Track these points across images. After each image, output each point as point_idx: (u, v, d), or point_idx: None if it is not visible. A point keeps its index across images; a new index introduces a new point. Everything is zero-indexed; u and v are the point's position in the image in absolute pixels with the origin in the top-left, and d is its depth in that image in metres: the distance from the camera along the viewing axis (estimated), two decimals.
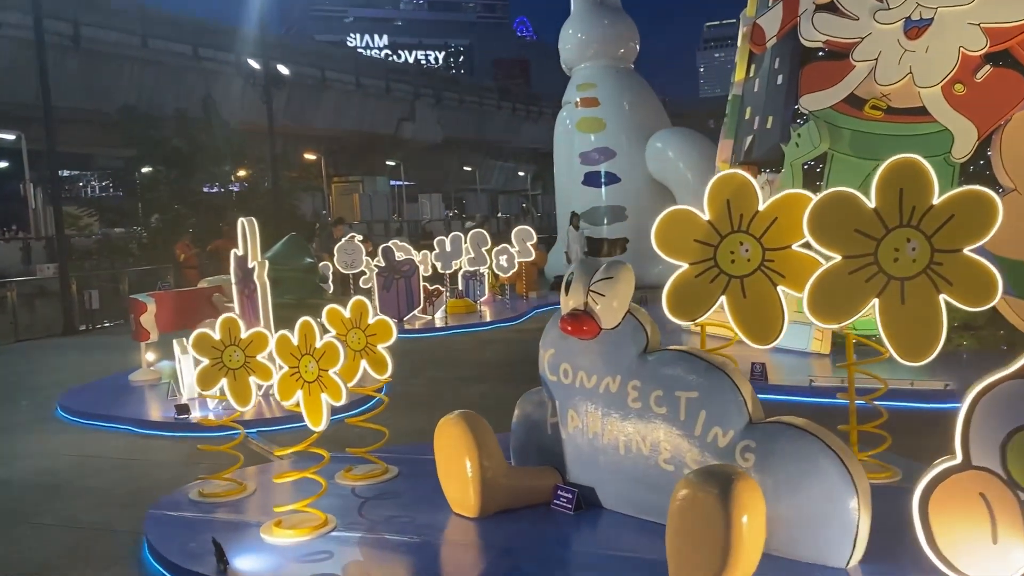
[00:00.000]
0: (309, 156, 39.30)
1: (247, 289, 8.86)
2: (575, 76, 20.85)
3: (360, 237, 15.90)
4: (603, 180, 19.91)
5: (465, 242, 15.39)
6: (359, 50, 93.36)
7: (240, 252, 8.93)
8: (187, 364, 8.84)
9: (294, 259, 10.83)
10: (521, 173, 68.14)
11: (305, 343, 4.86)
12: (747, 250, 5.30)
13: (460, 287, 16.36)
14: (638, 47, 21.23)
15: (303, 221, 27.87)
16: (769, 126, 10.81)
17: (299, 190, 29.79)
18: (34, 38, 16.89)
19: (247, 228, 8.64)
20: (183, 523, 5.27)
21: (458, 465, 4.99)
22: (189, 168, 24.98)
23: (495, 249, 15.94)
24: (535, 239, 16.93)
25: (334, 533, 4.93)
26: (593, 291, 4.86)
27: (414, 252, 15.17)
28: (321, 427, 4.89)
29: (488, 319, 15.05)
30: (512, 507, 5.06)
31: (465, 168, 59.77)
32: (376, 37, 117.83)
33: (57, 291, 17.82)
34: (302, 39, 50.79)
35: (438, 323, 14.77)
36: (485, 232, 15.63)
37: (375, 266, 14.70)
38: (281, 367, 5.02)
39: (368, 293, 15.98)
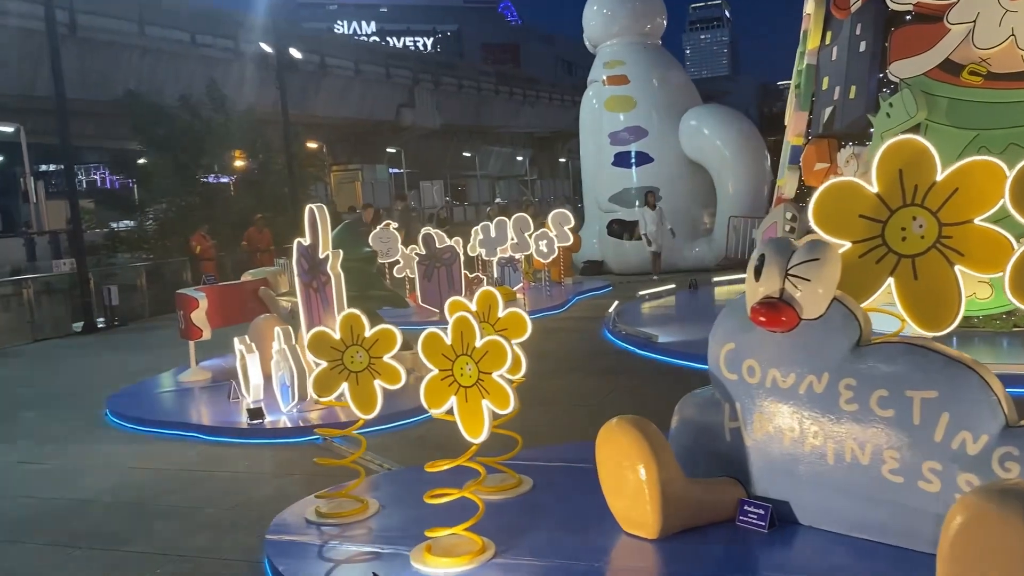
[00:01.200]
0: (311, 144, 38.38)
1: (316, 281, 8.16)
2: (601, 54, 20.16)
3: (395, 226, 15.20)
4: (633, 161, 19.26)
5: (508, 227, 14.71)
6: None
7: (308, 241, 8.22)
8: (253, 363, 8.18)
9: (352, 248, 10.07)
10: (520, 158, 67.34)
11: (461, 342, 4.20)
12: (921, 226, 4.67)
13: (495, 274, 15.70)
14: (665, 22, 20.56)
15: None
16: (852, 96, 10.16)
17: (316, 179, 28.95)
18: (43, 28, 16.08)
19: (317, 215, 7.94)
20: (312, 551, 4.61)
21: (631, 479, 4.35)
22: (198, 155, 24.18)
23: (535, 234, 15.25)
24: (572, 223, 16.26)
25: (497, 560, 4.29)
26: (793, 275, 4.21)
27: (447, 239, 14.50)
28: (481, 438, 4.24)
29: (532, 307, 14.36)
30: (693, 525, 4.44)
31: (464, 154, 58.92)
32: (364, 24, 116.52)
33: (65, 288, 17.07)
34: (297, 25, 49.55)
35: None
36: (528, 216, 14.95)
37: (415, 254, 14.04)
38: (418, 370, 4.37)
39: (401, 283, 15.33)
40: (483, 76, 57.78)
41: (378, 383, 4.93)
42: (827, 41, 10.77)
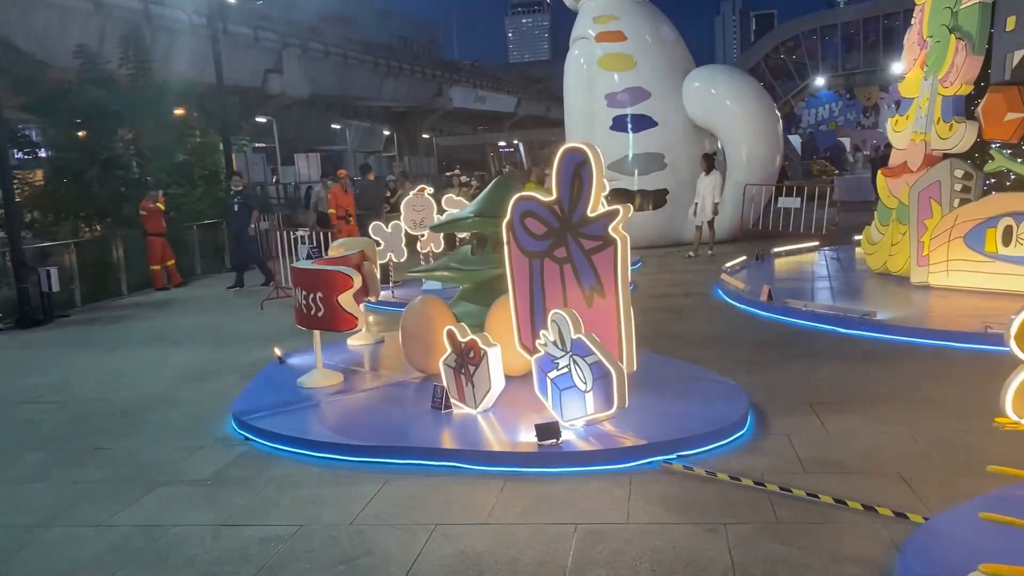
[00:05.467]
0: (178, 111, 34.33)
1: (566, 248, 6.04)
2: (587, 8, 18.37)
3: (431, 189, 12.85)
4: (630, 125, 17.66)
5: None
6: None
7: (552, 196, 6.10)
8: (495, 360, 5.98)
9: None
10: (387, 132, 64.17)
11: None
12: None
13: None
14: None
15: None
16: None
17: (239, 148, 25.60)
18: None
19: (591, 158, 5.82)
20: None
21: None
22: (103, 123, 20.50)
23: None
24: (607, 190, 14.45)
25: None
26: None
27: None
28: None
29: None
30: None
31: (333, 126, 55.23)
32: None
33: None
34: None
35: None
36: None
37: None
38: None
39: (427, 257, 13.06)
40: (349, 43, 54.27)
41: None
42: None
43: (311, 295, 7.08)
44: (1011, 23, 9.56)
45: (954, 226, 9.77)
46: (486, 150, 68.85)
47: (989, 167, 9.73)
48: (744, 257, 13.22)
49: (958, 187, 9.87)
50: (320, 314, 7.02)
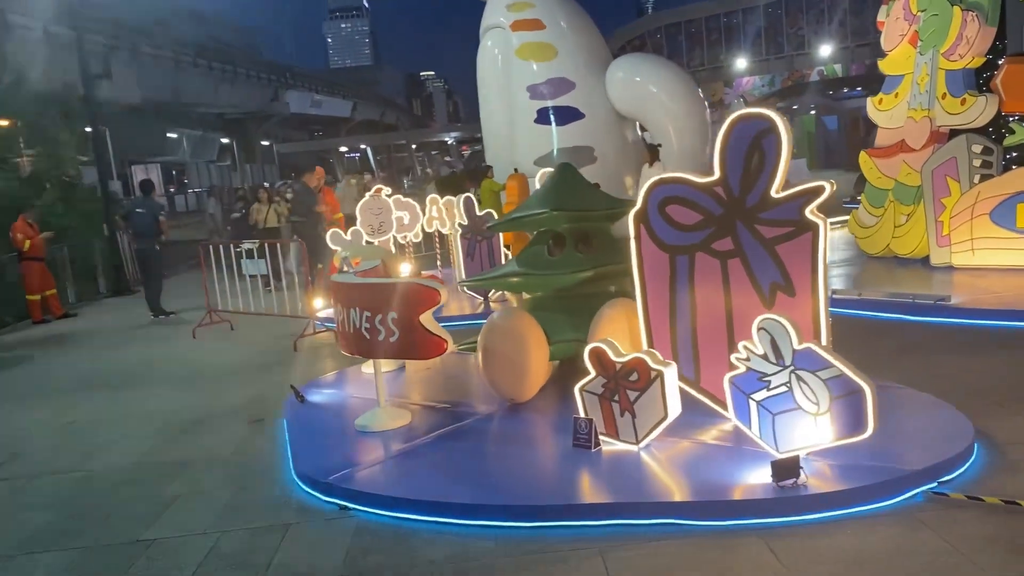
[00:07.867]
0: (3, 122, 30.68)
1: (731, 241, 4.98)
2: None
3: (388, 190, 11.37)
4: (552, 118, 16.76)
5: None
6: None
7: (713, 175, 5.03)
8: (671, 381, 4.80)
9: (593, 199, 6.71)
10: (225, 140, 60.29)
11: None
12: None
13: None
14: None
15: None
16: None
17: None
18: None
19: (780, 127, 4.77)
20: None
21: None
22: None
23: None
24: None
25: None
26: None
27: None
28: None
29: None
30: None
31: (169, 135, 51.13)
32: None
33: None
34: None
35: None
36: None
37: (458, 226, 10.56)
38: None
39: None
40: (181, 47, 50.62)
41: None
42: None
43: (378, 316, 5.62)
44: None
45: (976, 203, 9.42)
46: (328, 156, 66.47)
47: (1009, 140, 9.45)
48: None
49: (977, 163, 9.54)
50: (394, 339, 5.57)
